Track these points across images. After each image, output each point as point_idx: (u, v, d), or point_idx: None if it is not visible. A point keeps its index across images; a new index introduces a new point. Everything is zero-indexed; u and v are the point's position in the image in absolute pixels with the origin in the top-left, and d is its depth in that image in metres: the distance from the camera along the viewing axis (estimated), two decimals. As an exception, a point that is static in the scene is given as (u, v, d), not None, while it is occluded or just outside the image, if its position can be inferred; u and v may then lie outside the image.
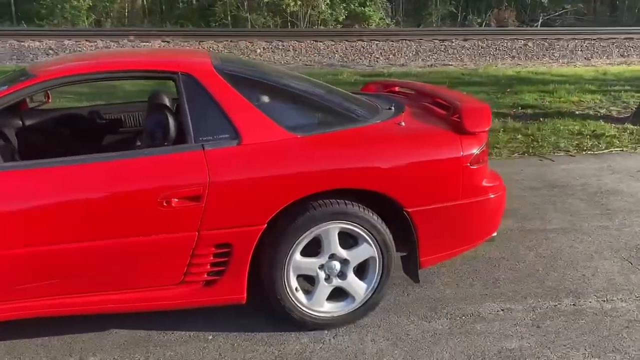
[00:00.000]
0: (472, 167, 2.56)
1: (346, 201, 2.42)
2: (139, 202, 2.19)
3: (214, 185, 2.24)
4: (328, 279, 2.50)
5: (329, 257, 2.47)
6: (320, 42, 15.00)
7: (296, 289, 2.47)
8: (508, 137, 6.10)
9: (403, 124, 2.59)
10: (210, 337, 2.49)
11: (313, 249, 2.46)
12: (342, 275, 2.51)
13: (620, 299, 2.81)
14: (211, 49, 14.17)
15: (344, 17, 25.53)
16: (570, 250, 3.38)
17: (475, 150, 2.57)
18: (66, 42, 14.68)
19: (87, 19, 24.86)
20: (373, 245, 2.49)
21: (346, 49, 14.72)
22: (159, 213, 2.20)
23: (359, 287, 2.54)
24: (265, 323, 2.57)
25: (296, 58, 13.95)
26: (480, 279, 3.03)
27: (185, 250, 2.28)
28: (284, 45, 14.76)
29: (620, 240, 3.50)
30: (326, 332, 2.53)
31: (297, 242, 2.39)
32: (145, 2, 27.72)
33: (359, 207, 2.43)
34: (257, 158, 2.32)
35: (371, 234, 2.47)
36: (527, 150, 5.71)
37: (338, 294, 2.56)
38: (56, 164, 2.19)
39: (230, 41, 14.97)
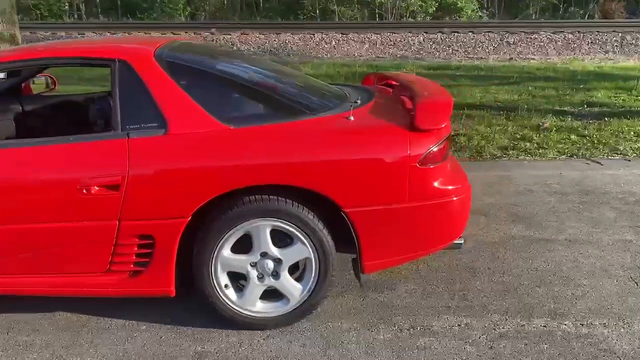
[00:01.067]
0: (422, 167, 2.34)
1: (279, 198, 2.30)
2: (61, 188, 2.21)
3: (133, 174, 2.21)
4: (261, 277, 2.39)
5: (261, 255, 2.37)
6: (396, 34, 14.64)
7: (226, 285, 2.40)
8: (560, 137, 5.60)
9: (352, 118, 2.40)
10: (144, 328, 2.48)
11: (248, 245, 2.36)
12: (276, 274, 2.39)
13: (603, 324, 2.46)
14: (279, 42, 14.35)
15: (434, 8, 24.82)
16: (571, 265, 3.02)
17: (427, 149, 2.34)
18: (153, 33, 15.46)
19: (183, 12, 26.01)
20: (308, 245, 2.35)
21: (423, 40, 14.26)
22: (79, 200, 2.21)
23: (293, 289, 2.41)
24: (206, 319, 2.51)
25: (369, 50, 13.75)
26: (449, 290, 2.79)
27: (107, 239, 2.27)
28: (359, 38, 14.57)
29: (637, 258, 3.08)
30: (260, 333, 2.43)
31: (224, 237, 2.31)
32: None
33: (292, 204, 2.30)
34: (182, 148, 2.26)
35: (306, 233, 2.33)
36: (577, 152, 5.21)
37: (274, 295, 2.45)
38: None
39: (307, 33, 15.03)
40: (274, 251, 2.36)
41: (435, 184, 2.40)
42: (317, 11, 25.94)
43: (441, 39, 14.31)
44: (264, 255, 2.36)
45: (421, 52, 13.62)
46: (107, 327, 2.48)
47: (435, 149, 2.37)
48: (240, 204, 2.28)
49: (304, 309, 2.44)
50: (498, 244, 3.31)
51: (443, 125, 2.38)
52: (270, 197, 2.29)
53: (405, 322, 2.51)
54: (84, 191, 2.20)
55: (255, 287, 2.40)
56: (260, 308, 2.43)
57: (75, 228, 2.25)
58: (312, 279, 2.40)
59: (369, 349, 2.32)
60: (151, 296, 2.41)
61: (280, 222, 2.31)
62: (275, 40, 14.77)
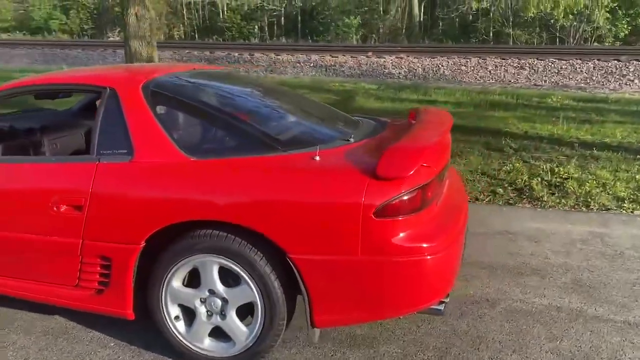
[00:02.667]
0: (378, 218, 2.07)
1: (228, 236, 2.21)
2: (37, 203, 2.40)
3: (94, 197, 2.31)
4: (210, 315, 2.33)
5: (209, 292, 2.30)
6: (563, 60, 13.39)
7: (176, 317, 2.38)
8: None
9: (317, 158, 2.23)
10: (112, 345, 2.57)
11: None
12: (223, 314, 2.31)
13: None
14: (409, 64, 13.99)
15: (627, 32, 22.31)
16: (608, 355, 2.44)
17: (386, 199, 2.07)
18: (313, 56, 16.18)
19: (355, 34, 26.82)
20: (254, 288, 2.22)
21: (593, 68, 12.85)
22: (50, 216, 2.38)
23: (239, 332, 2.30)
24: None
25: (528, 77, 12.78)
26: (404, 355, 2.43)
27: (74, 255, 2.40)
28: (519, 63, 13.63)
29: None
30: (208, 370, 2.36)
31: (173, 269, 2.30)
32: (418, 19, 28.57)
33: (240, 244, 2.20)
34: (139, 176, 2.31)
35: (252, 276, 2.21)
36: None
37: (225, 335, 2.36)
38: None
39: (463, 57, 14.49)
40: (221, 290, 2.28)
41: (398, 239, 2.11)
42: (491, 34, 24.91)
43: (616, 67, 12.75)
44: (212, 292, 2.30)
45: (588, 81, 12.27)
46: (82, 339, 2.62)
47: (400, 200, 2.09)
48: (189, 238, 2.25)
49: (250, 355, 2.31)
50: (530, 313, 2.81)
51: (410, 173, 2.09)
52: (219, 233, 2.22)
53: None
54: (55, 208, 2.36)
55: (203, 324, 2.34)
56: (207, 346, 2.36)
57: (48, 241, 2.42)
58: (257, 324, 2.27)
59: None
60: (113, 316, 2.48)
61: (227, 261, 2.23)
62: (428, 64, 14.49)
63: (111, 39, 29.56)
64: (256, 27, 31.49)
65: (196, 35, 31.93)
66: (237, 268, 2.22)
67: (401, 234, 2.12)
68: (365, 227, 2.08)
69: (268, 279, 2.20)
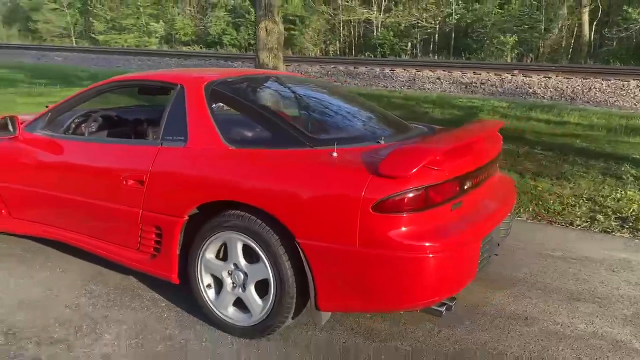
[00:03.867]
0: (376, 213, 2.21)
1: (252, 217, 2.49)
2: (112, 177, 2.90)
3: (153, 174, 2.74)
4: (234, 286, 2.62)
5: (234, 266, 2.60)
6: None
7: (208, 285, 2.70)
8: None
9: (335, 154, 2.42)
10: (163, 305, 2.98)
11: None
12: (244, 287, 2.59)
13: None
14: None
15: None
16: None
17: (384, 195, 2.20)
18: (454, 73, 15.99)
19: (510, 52, 25.82)
20: (269, 267, 2.47)
21: None
22: (121, 188, 2.86)
23: (255, 304, 2.56)
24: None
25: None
26: (412, 353, 2.47)
27: (136, 223, 2.85)
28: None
29: None
30: (226, 338, 2.65)
31: (207, 242, 2.63)
32: (588, 38, 26.75)
33: (259, 226, 2.46)
34: (188, 159, 2.68)
35: (267, 255, 2.46)
36: None
37: (245, 306, 2.63)
38: (75, 140, 3.19)
39: (602, 80, 13.36)
40: (243, 265, 2.57)
41: (396, 234, 2.22)
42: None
43: None
44: (236, 266, 2.59)
45: None
46: (142, 297, 3.07)
47: (399, 197, 2.20)
48: (220, 216, 2.58)
49: (263, 328, 2.55)
50: (566, 337, 2.69)
51: (410, 173, 2.19)
52: (244, 214, 2.51)
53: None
54: (124, 182, 2.84)
55: (228, 294, 2.64)
56: (230, 314, 2.65)
57: (119, 209, 2.91)
58: (270, 300, 2.50)
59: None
60: (162, 279, 2.88)
61: (249, 239, 2.50)
62: (578, 85, 13.57)
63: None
64: (409, 44, 31.75)
65: (352, 51, 33.07)
66: (256, 247, 2.49)
67: (399, 230, 2.22)
68: (364, 220, 2.22)
69: (280, 259, 2.43)
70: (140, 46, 37.46)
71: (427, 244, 2.22)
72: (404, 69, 17.21)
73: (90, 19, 42.44)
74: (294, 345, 2.59)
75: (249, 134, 2.85)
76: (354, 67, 18.31)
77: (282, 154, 2.53)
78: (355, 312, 2.59)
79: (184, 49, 36.07)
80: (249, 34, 35.94)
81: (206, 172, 2.62)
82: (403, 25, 31.27)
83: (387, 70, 17.33)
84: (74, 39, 44.49)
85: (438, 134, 2.90)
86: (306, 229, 2.35)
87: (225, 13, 37.48)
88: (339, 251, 2.29)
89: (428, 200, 2.28)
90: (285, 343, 2.60)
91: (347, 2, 32.75)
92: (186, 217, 2.67)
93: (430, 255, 2.22)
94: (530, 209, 4.78)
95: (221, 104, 3.22)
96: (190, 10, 41.04)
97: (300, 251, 2.37)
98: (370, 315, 2.83)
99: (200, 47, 36.74)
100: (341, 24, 34.15)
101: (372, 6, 32.74)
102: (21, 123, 3.35)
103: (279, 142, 2.63)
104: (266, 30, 7.23)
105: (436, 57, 28.43)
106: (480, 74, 15.59)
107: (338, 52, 34.13)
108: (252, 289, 2.56)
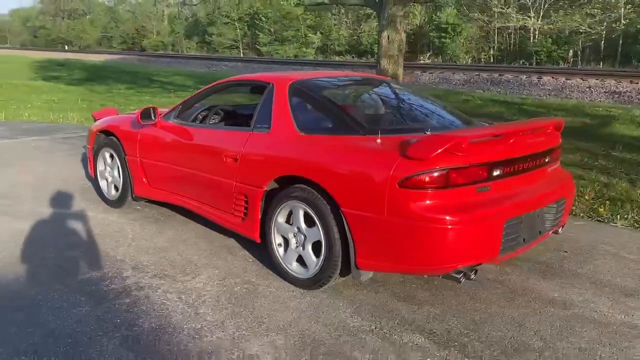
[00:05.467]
0: (401, 188, 2.66)
1: (310, 189, 3.06)
2: (217, 155, 3.66)
3: (244, 154, 3.46)
4: (297, 246, 3.22)
5: (297, 229, 3.20)
6: None
7: (279, 244, 3.33)
8: None
9: (379, 141, 2.92)
10: (250, 260, 3.68)
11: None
12: (304, 247, 3.17)
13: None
14: None
15: None
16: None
17: (409, 174, 2.64)
18: (608, 81, 15.02)
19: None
20: (321, 231, 3.03)
21: None
22: (222, 164, 3.61)
23: (311, 261, 3.13)
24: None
25: None
26: (440, 316, 2.83)
27: (231, 192, 3.59)
28: None
29: None
30: (289, 287, 3.26)
31: (279, 208, 3.26)
32: None
33: (315, 197, 3.01)
34: (269, 143, 3.35)
35: (321, 222, 3.01)
36: None
37: (304, 262, 3.21)
38: (195, 126, 4.00)
39: None
40: (303, 228, 3.15)
41: (416, 206, 2.65)
42: None
43: None
44: (299, 229, 3.19)
45: None
46: (236, 254, 3.80)
47: (421, 176, 2.64)
48: (288, 188, 3.20)
49: (316, 280, 3.10)
50: (596, 322, 2.86)
51: (431, 156, 2.61)
52: (305, 187, 3.09)
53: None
54: (224, 159, 3.60)
55: (292, 252, 3.24)
56: (294, 268, 3.25)
57: (221, 181, 3.66)
58: (321, 257, 3.05)
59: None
60: (249, 238, 3.57)
61: (308, 208, 3.09)
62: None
63: (421, 61, 32.03)
64: (571, 51, 29.96)
65: (505, 59, 32.05)
66: (312, 214, 3.06)
67: (421, 203, 2.65)
68: (391, 194, 2.70)
69: (330, 224, 2.97)
70: (298, 56, 39.98)
71: (443, 217, 2.63)
72: (553, 77, 16.55)
73: (256, 31, 46.25)
74: (341, 297, 3.12)
75: (317, 123, 3.42)
76: (499, 75, 17.99)
77: (337, 139, 3.08)
78: (386, 271, 3.02)
79: (337, 58, 37.78)
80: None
81: (280, 152, 3.27)
82: (567, 31, 29.57)
83: (533, 78, 16.79)
84: (241, 50, 48.80)
85: (481, 126, 3.23)
86: (348, 200, 2.88)
87: (378, 23, 38.58)
88: (373, 219, 2.79)
89: (449, 180, 2.68)
90: (334, 295, 3.14)
91: (502, 8, 31.82)
92: (265, 188, 3.33)
93: (448, 227, 2.62)
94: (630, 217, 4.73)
95: None
96: (346, 21, 42.80)
97: (344, 218, 2.90)
98: (412, 282, 3.26)
99: (352, 57, 38.19)
100: (495, 31, 33.26)
101: (529, 12, 31.43)
102: (160, 113, 4.30)
103: (338, 130, 3.20)
104: (388, 39, 7.76)
105: (601, 64, 26.55)
106: (637, 83, 14.48)
107: (492, 60, 33.29)
108: (309, 248, 3.14)
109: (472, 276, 2.81)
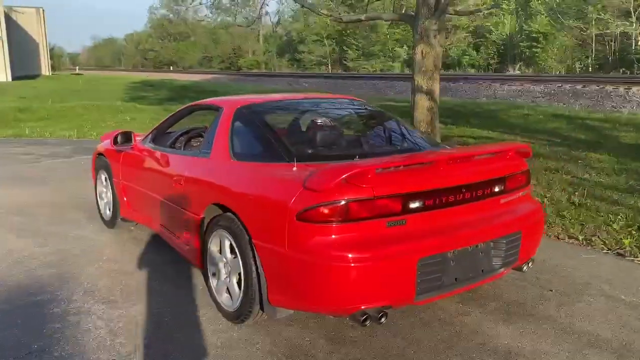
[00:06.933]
0: (299, 221, 2.46)
1: (233, 219, 2.93)
2: (170, 179, 3.61)
3: (185, 179, 3.42)
4: (226, 277, 3.09)
5: (225, 260, 3.07)
6: None
7: (213, 274, 3.23)
8: None
9: (295, 169, 2.74)
10: (200, 287, 3.61)
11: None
12: (230, 277, 3.04)
13: None
14: None
15: None
16: None
17: (306, 205, 2.44)
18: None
19: None
20: (240, 262, 2.88)
21: None
22: (173, 189, 3.57)
23: (234, 293, 2.97)
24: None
25: None
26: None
27: (179, 218, 3.53)
28: None
29: None
30: (219, 318, 3.14)
31: (211, 237, 3.16)
32: None
33: (237, 227, 2.87)
34: (206, 169, 3.28)
35: (240, 253, 2.87)
36: None
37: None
38: (159, 150, 3.98)
39: None
40: (229, 259, 3.03)
41: (316, 241, 2.44)
42: None
43: None
44: (226, 260, 3.07)
45: None
46: (189, 276, 3.75)
47: (318, 209, 2.43)
48: (217, 216, 3.10)
49: (238, 314, 2.94)
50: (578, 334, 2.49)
51: (331, 185, 2.40)
52: (229, 215, 2.97)
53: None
54: (173, 184, 3.56)
55: (222, 283, 3.12)
56: (224, 300, 3.10)
57: (171, 206, 3.65)
58: (242, 290, 2.91)
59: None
60: (193, 265, 3.50)
61: (231, 238, 2.96)
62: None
63: (509, 72, 30.62)
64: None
65: (603, 68, 29.85)
66: (235, 245, 2.93)
67: (319, 238, 2.45)
68: (291, 227, 2.52)
69: (247, 256, 2.82)
70: (384, 70, 39.79)
71: (341, 254, 2.40)
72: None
73: (344, 47, 46.70)
74: (264, 334, 2.95)
75: (249, 149, 3.25)
76: (583, 86, 16.72)
77: (260, 167, 2.95)
78: (296, 310, 2.80)
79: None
80: (488, 54, 35.24)
81: (213, 179, 3.19)
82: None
83: (620, 88, 15.43)
84: (329, 66, 49.46)
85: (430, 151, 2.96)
86: (257, 231, 2.73)
87: (467, 34, 37.46)
88: (277, 253, 2.61)
89: (349, 213, 2.44)
90: (257, 331, 2.97)
91: (600, 14, 29.69)
92: (202, 215, 3.25)
93: (346, 264, 2.39)
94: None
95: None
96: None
97: (254, 250, 2.75)
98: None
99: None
100: (593, 38, 31.10)
101: (630, 17, 29.06)
102: (137, 136, 4.37)
103: (265, 157, 3.05)
104: (422, 54, 7.44)
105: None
106: None
107: (590, 69, 31.15)
108: (234, 279, 3.01)
109: (383, 319, 2.53)
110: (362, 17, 8.26)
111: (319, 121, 3.34)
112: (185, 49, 77.02)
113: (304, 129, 3.51)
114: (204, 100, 4.21)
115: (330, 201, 2.42)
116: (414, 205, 2.57)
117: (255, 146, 3.25)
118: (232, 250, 3.00)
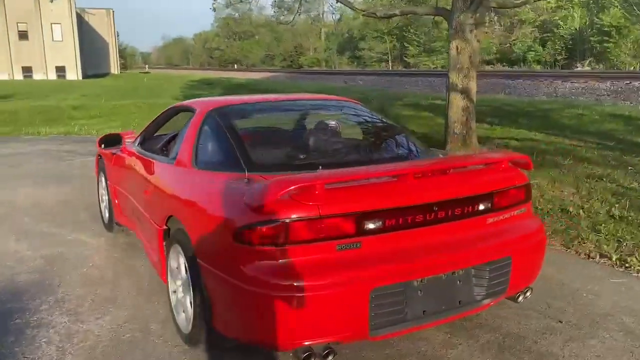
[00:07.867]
0: (236, 242, 2.16)
1: (184, 232, 2.64)
2: (143, 185, 3.40)
3: (152, 186, 3.19)
4: (183, 295, 2.81)
5: (181, 277, 2.80)
6: None
7: (174, 291, 2.97)
8: None
9: (246, 181, 2.42)
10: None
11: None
12: (185, 297, 2.76)
13: None
14: None
15: None
16: None
17: (242, 225, 2.14)
18: None
19: None
20: (190, 281, 2.61)
21: None
22: (144, 195, 3.37)
23: (187, 314, 2.70)
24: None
25: None
26: None
27: (148, 227, 3.31)
28: None
29: None
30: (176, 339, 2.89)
31: (169, 251, 2.90)
32: None
33: (189, 242, 2.58)
34: (168, 177, 3.03)
35: (190, 270, 2.59)
36: None
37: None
38: (140, 154, 3.73)
39: None
40: (183, 277, 2.76)
41: (251, 266, 2.13)
42: None
43: None
44: (182, 278, 2.80)
45: None
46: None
47: (254, 229, 2.11)
48: (173, 230, 2.84)
49: (190, 337, 2.68)
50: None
51: (269, 202, 2.08)
52: (182, 229, 2.70)
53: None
54: (144, 190, 3.35)
55: (179, 301, 2.85)
56: (180, 319, 2.83)
57: (142, 214, 3.44)
58: (193, 312, 2.62)
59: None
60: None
61: (183, 254, 2.68)
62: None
63: (578, 69, 28.93)
64: None
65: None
66: (186, 262, 2.66)
67: (254, 262, 2.13)
68: (226, 248, 2.23)
69: (195, 276, 2.54)
70: (445, 67, 38.68)
71: (277, 282, 2.08)
72: None
73: (405, 43, 45.79)
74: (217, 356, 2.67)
75: (211, 157, 2.94)
76: (627, 84, 15.47)
77: (215, 177, 2.64)
78: (240, 341, 2.48)
79: (487, 67, 35.75)
80: (555, 50, 33.46)
81: (171, 188, 2.93)
82: None
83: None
84: (390, 63, 48.67)
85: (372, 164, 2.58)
86: (201, 250, 2.45)
87: (533, 29, 35.72)
88: (217, 276, 2.33)
89: (290, 234, 2.12)
90: (212, 357, 2.70)
91: (681, 4, 27.47)
92: (164, 227, 3.00)
93: (281, 294, 2.07)
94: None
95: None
96: (498, 28, 40.40)
97: (200, 270, 2.47)
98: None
99: (503, 65, 35.85)
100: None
101: None
102: (127, 139, 4.20)
103: (224, 166, 2.74)
104: (457, 50, 6.94)
105: None
106: None
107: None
108: (188, 299, 2.72)
109: (330, 358, 2.18)
110: (397, 11, 7.82)
111: (292, 126, 3.01)
112: (249, 47, 78.09)
113: (273, 134, 3.19)
114: (187, 101, 3.98)
115: (267, 220, 2.10)
116: (371, 225, 2.21)
117: (216, 153, 2.96)
118: (186, 268, 2.74)
